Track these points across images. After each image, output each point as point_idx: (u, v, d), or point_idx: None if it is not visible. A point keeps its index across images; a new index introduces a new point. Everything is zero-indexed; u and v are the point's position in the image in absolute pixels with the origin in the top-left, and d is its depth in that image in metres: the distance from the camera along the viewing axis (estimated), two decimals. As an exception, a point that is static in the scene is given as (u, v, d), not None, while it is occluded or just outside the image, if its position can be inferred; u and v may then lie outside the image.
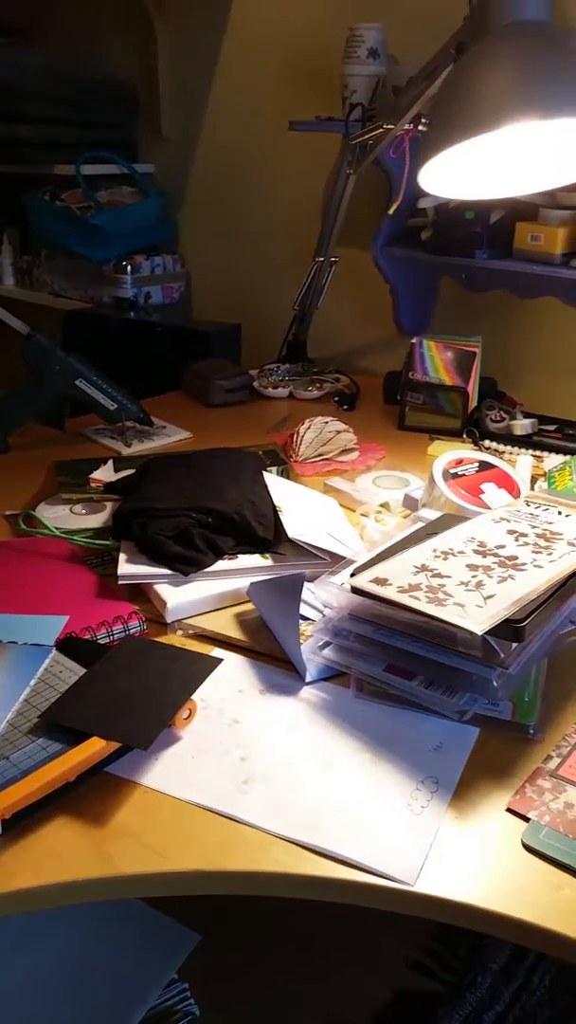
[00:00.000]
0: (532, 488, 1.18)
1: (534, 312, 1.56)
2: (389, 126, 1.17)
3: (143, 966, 1.08)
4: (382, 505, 1.14)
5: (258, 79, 1.82)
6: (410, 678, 0.78)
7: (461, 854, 0.63)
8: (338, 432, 1.31)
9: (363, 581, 0.79)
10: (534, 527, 0.90)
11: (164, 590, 0.88)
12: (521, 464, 1.18)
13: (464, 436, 1.42)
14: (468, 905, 0.59)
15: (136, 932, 1.12)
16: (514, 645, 0.74)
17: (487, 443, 1.40)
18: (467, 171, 0.95)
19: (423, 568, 0.81)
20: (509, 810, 0.66)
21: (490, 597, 0.75)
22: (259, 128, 1.85)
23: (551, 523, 0.91)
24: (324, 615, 0.83)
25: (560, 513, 0.95)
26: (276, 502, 1.00)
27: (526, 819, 0.65)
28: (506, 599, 0.74)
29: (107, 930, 1.12)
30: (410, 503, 1.12)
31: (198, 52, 1.90)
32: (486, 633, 0.71)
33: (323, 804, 0.66)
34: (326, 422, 1.32)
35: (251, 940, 1.27)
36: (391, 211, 1.29)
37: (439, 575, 0.79)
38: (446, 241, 1.45)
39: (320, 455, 1.31)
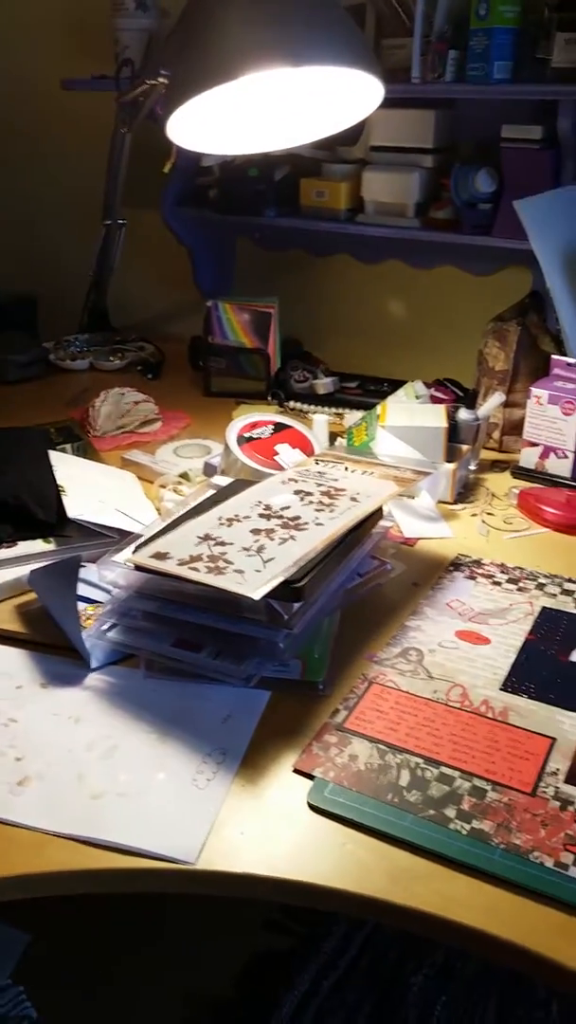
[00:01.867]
0: (332, 445, 1.19)
1: (330, 270, 1.56)
2: (152, 81, 1.12)
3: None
4: (181, 475, 1.11)
5: (35, 36, 1.71)
6: (198, 650, 0.76)
7: (248, 824, 0.62)
8: (137, 403, 1.27)
9: (143, 557, 0.77)
10: (320, 485, 0.90)
11: None
12: (317, 423, 1.18)
13: (269, 398, 1.42)
14: (252, 876, 0.58)
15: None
16: (296, 605, 0.74)
17: (292, 404, 1.40)
18: (220, 123, 0.92)
19: (206, 537, 0.79)
20: (296, 770, 0.66)
21: (270, 560, 0.74)
22: (40, 88, 1.74)
23: (336, 480, 0.92)
24: (111, 595, 0.80)
25: (347, 469, 0.95)
26: (61, 482, 0.95)
27: (312, 777, 0.65)
28: (285, 561, 0.74)
29: None
30: (210, 471, 1.10)
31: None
32: (267, 596, 0.70)
33: (105, 793, 0.63)
34: (123, 393, 1.27)
35: (91, 927, 1.24)
36: (166, 170, 1.24)
37: (222, 543, 0.78)
38: (233, 200, 1.43)
39: (120, 428, 1.26)
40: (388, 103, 1.27)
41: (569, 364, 1.14)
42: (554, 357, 1.15)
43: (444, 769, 0.66)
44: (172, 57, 0.86)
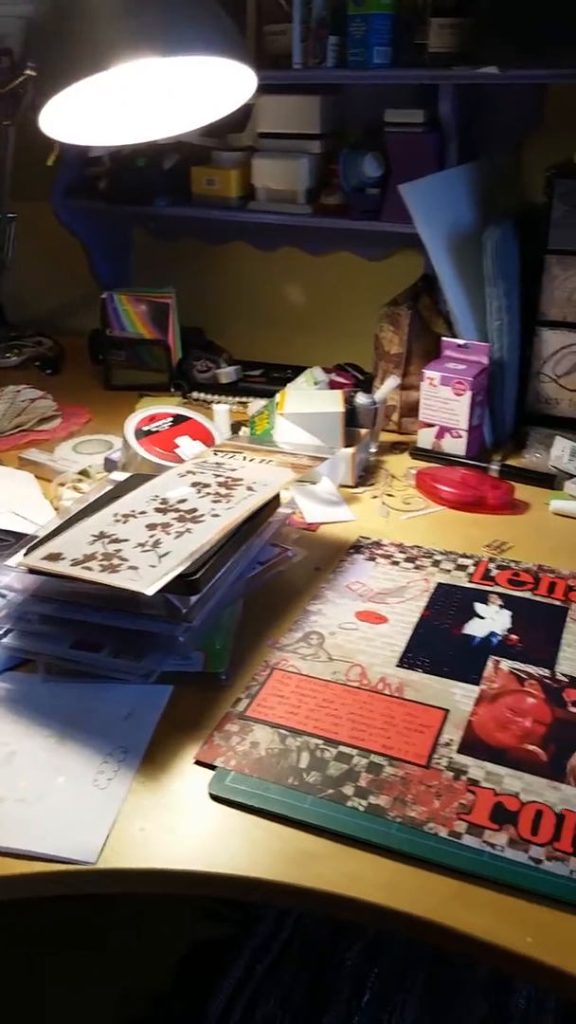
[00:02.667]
0: (236, 435, 1.19)
1: (227, 258, 1.56)
2: (31, 72, 1.09)
3: None
4: (81, 472, 1.10)
5: None
6: (98, 650, 0.76)
7: (149, 819, 0.62)
8: (33, 400, 1.25)
9: (36, 559, 0.76)
10: (217, 476, 0.90)
11: None
12: (218, 413, 1.18)
13: (172, 390, 1.41)
14: (152, 871, 0.59)
15: None
16: (194, 598, 0.74)
17: (196, 395, 1.39)
18: (95, 113, 0.91)
19: (100, 535, 0.78)
20: (198, 762, 0.67)
21: (165, 555, 0.74)
22: None
23: (234, 470, 0.92)
24: (6, 600, 0.79)
25: (245, 459, 0.96)
26: (-48, 487, 0.93)
27: (214, 768, 0.66)
28: (180, 554, 0.74)
29: None
30: (110, 466, 1.09)
31: None
32: (163, 591, 0.70)
33: (3, 800, 0.62)
34: (18, 391, 1.25)
35: (23, 925, 1.22)
36: (49, 162, 1.22)
37: (116, 540, 0.77)
38: (123, 190, 1.41)
39: (17, 427, 1.24)
40: (273, 89, 1.28)
41: (459, 345, 1.17)
42: (444, 339, 1.18)
43: (342, 748, 0.67)
44: (40, 47, 0.84)
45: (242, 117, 1.33)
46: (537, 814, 0.61)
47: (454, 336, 1.18)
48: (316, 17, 1.21)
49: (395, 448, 1.23)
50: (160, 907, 1.29)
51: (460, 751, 0.67)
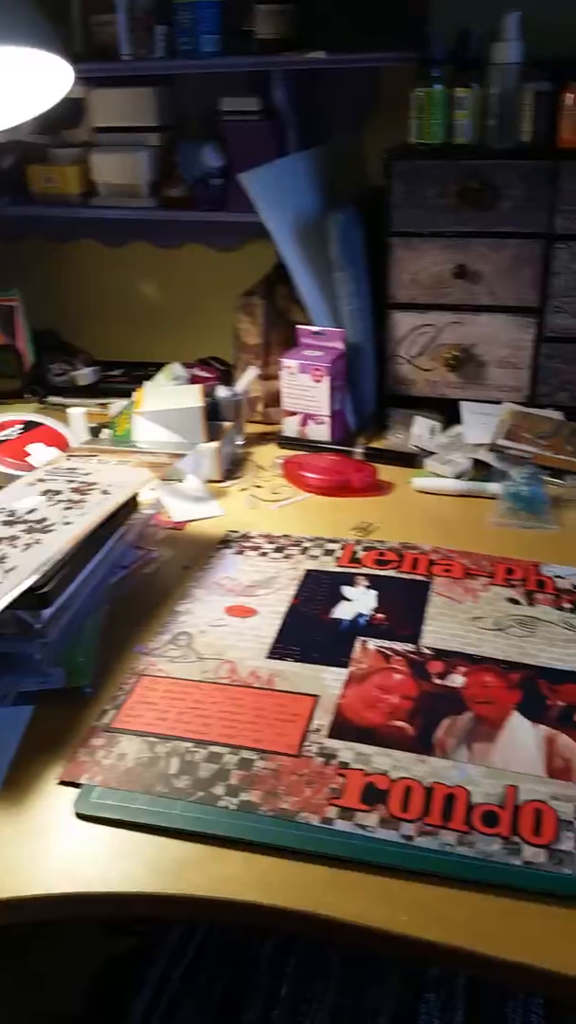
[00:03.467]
0: (97, 437, 1.16)
1: (76, 256, 1.51)
2: None
3: None
4: None
5: None
6: (-50, 676, 0.72)
7: (13, 846, 0.59)
8: None
9: None
10: (71, 482, 0.87)
11: None
12: (73, 417, 1.14)
13: (27, 395, 1.36)
14: (18, 899, 0.56)
15: None
16: (47, 612, 0.71)
17: (53, 399, 1.35)
18: None
19: (-56, 555, 0.74)
20: (62, 782, 0.64)
21: (11, 570, 0.71)
22: None
23: (88, 474, 0.89)
24: None
25: (99, 462, 0.93)
26: None
27: (79, 786, 0.63)
28: (28, 568, 0.70)
29: None
30: (-38, 482, 1.04)
31: None
32: (12, 607, 0.67)
33: None
34: None
35: None
36: None
37: (-39, 558, 0.73)
38: (-43, 192, 1.34)
39: None
40: (105, 82, 1.25)
41: (314, 333, 1.17)
42: (299, 327, 1.18)
43: (213, 748, 0.66)
44: None
45: (74, 112, 1.29)
46: (407, 790, 0.61)
47: (308, 324, 1.18)
48: (142, 6, 1.18)
49: (263, 439, 1.22)
50: (63, 927, 1.25)
51: (330, 735, 0.67)
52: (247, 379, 1.19)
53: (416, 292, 1.16)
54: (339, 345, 1.16)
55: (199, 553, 0.94)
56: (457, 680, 0.72)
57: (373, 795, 0.61)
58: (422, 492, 1.06)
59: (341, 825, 0.59)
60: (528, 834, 0.58)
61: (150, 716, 0.70)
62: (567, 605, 0.82)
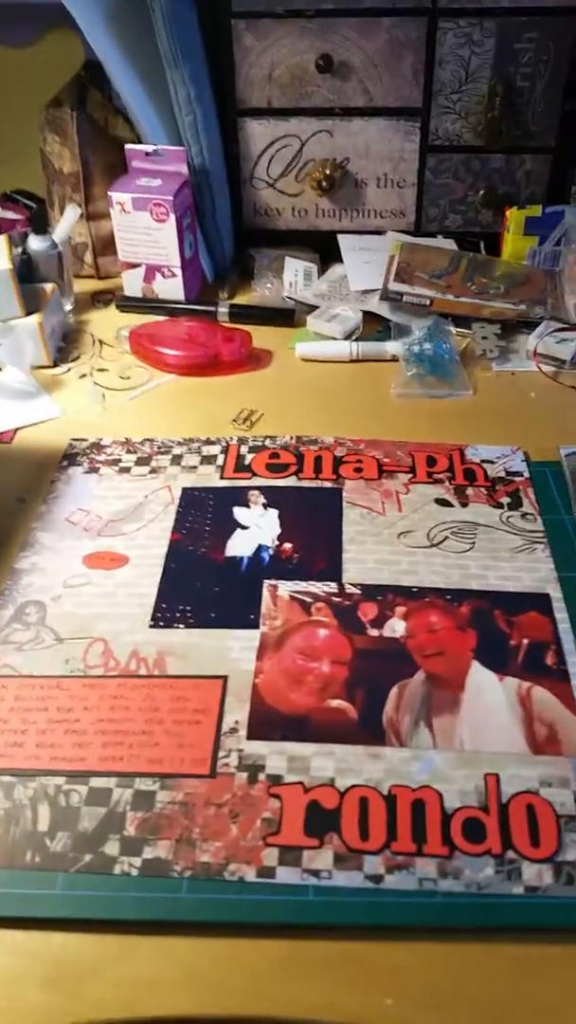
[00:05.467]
0: None
1: None
2: None
3: None
4: None
5: None
6: None
7: None
8: None
9: None
10: None
11: None
12: None
13: None
14: None
15: None
16: None
17: None
18: None
19: None
20: None
21: None
22: None
23: None
24: None
25: None
26: None
27: None
28: None
29: None
30: None
31: None
32: None
33: None
34: None
35: None
36: None
37: None
38: None
39: None
40: None
41: (147, 154, 0.90)
42: (128, 147, 0.90)
43: (94, 781, 0.48)
44: None
45: None
46: (362, 803, 0.47)
47: (139, 141, 0.91)
48: None
49: (97, 301, 0.96)
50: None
51: (251, 736, 0.50)
52: (68, 222, 0.91)
53: (272, 93, 0.90)
54: (182, 169, 0.90)
55: (37, 476, 0.72)
56: (398, 627, 0.57)
57: (320, 820, 0.46)
58: (307, 360, 0.86)
59: (285, 875, 0.44)
60: (524, 845, 0.45)
61: None
62: (505, 499, 0.67)
